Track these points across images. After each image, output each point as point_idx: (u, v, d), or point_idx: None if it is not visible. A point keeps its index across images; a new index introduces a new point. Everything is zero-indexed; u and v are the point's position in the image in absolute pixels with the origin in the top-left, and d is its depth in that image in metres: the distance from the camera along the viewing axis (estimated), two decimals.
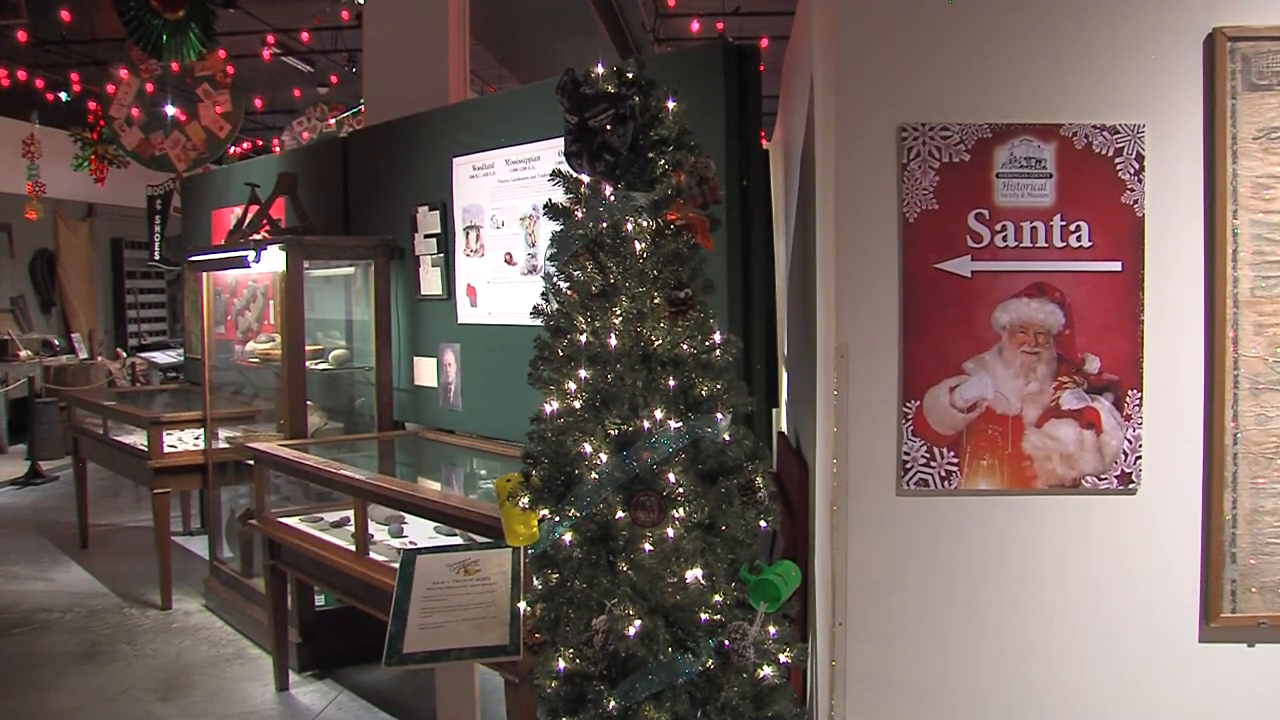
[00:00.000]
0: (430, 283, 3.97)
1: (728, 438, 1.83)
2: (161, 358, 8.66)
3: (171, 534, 4.73)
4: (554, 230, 1.87)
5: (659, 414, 1.78)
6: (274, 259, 3.87)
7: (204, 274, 4.65)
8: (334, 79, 9.38)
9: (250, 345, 4.69)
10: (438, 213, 3.89)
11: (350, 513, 3.24)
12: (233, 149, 8.74)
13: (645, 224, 1.82)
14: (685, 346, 1.82)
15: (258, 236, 4.19)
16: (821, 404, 2.05)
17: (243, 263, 3.96)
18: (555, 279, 1.86)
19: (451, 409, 3.93)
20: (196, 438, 4.73)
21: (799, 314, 2.54)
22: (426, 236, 3.98)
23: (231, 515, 4.65)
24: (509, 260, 3.60)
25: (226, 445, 4.56)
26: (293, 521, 3.56)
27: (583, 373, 1.83)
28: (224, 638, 4.13)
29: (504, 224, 3.63)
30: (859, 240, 2.00)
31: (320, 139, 7.94)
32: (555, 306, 1.89)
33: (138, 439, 4.76)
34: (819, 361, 2.07)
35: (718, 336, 1.87)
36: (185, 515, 5.86)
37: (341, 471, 3.20)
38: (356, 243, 4.14)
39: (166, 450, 4.56)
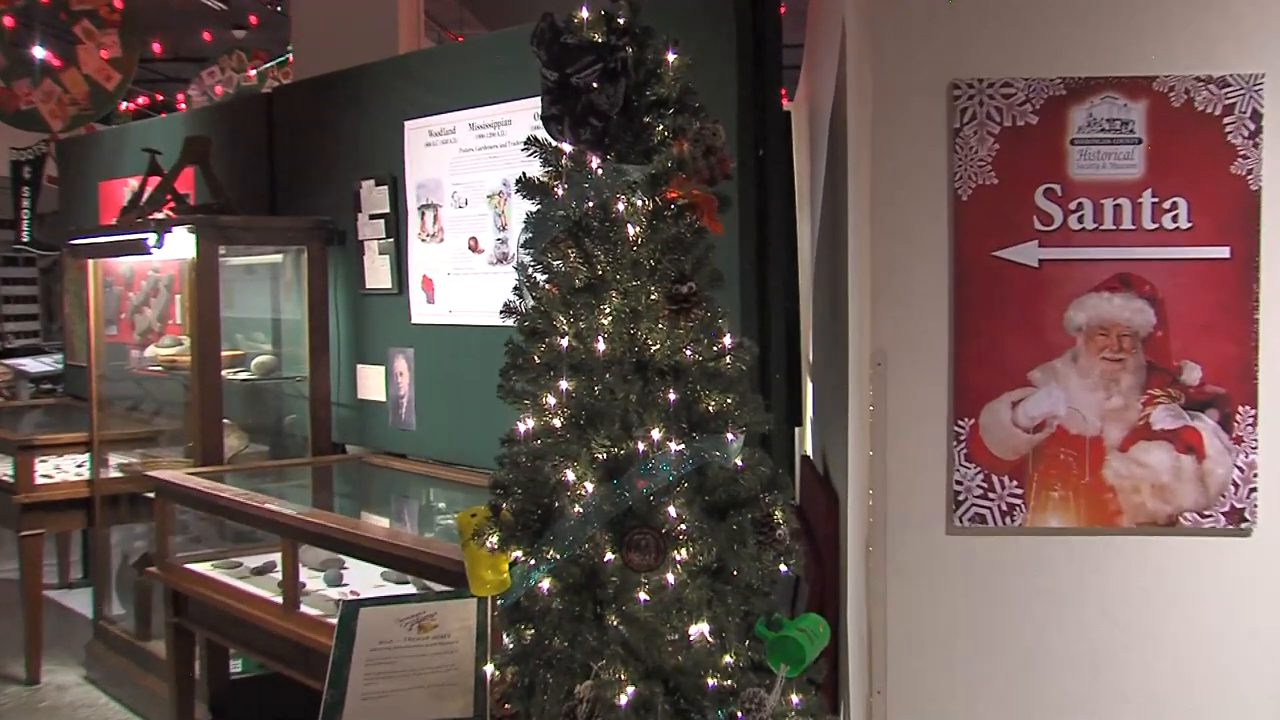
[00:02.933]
0: (377, 274, 4.01)
1: (740, 463, 1.86)
2: (33, 365, 8.56)
3: (45, 587, 4.64)
4: (529, 211, 1.90)
5: (656, 434, 1.80)
6: (181, 243, 3.88)
7: (90, 261, 4.63)
8: (253, 20, 9.29)
9: (151, 350, 4.70)
10: (386, 188, 3.92)
11: (277, 556, 3.27)
12: (124, 105, 8.65)
13: (640, 204, 1.84)
14: (688, 352, 1.84)
15: (160, 215, 4.19)
16: (854, 422, 2.09)
17: (141, 248, 3.97)
18: (531, 270, 1.90)
19: (403, 428, 3.96)
20: (80, 465, 4.69)
21: (827, 313, 2.56)
22: (372, 217, 4.01)
23: (124, 562, 4.64)
24: (474, 247, 3.64)
25: (119, 474, 4.54)
26: (204, 568, 3.56)
27: (564, 384, 1.85)
28: (110, 718, 4.07)
29: (468, 203, 3.67)
30: (901, 223, 2.04)
31: (238, 95, 7.96)
32: (531, 304, 1.91)
33: (2, 468, 4.73)
34: (851, 371, 2.09)
35: (728, 340, 1.88)
36: (63, 564, 5.74)
37: (266, 505, 3.22)
38: (285, 224, 4.18)
39: (39, 481, 4.49)
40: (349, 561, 3.31)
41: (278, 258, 4.36)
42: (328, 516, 3.24)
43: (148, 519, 3.97)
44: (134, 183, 4.73)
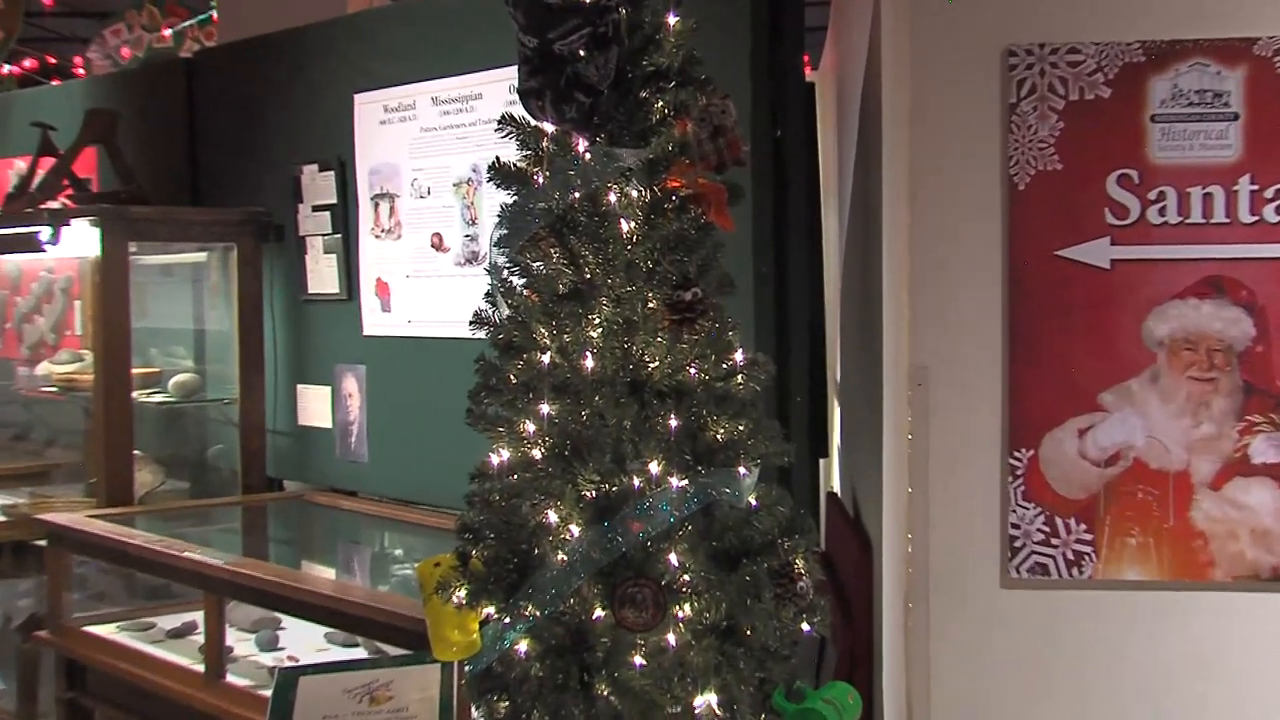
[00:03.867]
0: (322, 277, 4.05)
1: (754, 502, 1.88)
2: None
3: None
4: (504, 203, 1.93)
5: (655, 467, 1.83)
6: (82, 239, 3.87)
7: None
8: None
9: (44, 367, 4.69)
10: (332, 175, 3.95)
11: (199, 616, 3.25)
12: (7, 68, 8.66)
13: (635, 195, 1.87)
14: (692, 371, 1.87)
15: (55, 204, 4.19)
16: (890, 453, 2.12)
17: (31, 243, 3.96)
18: (506, 273, 1.93)
19: (353, 460, 3.99)
20: None
21: (858, 324, 2.58)
22: (316, 209, 4.04)
23: (6, 625, 4.61)
24: (438, 245, 3.67)
25: (2, 518, 4.50)
26: (107, 631, 3.54)
27: (545, 408, 1.87)
28: None
29: (430, 192, 3.69)
30: (945, 217, 2.08)
31: (149, 60, 7.95)
32: (506, 313, 1.94)
33: None
34: (886, 392, 2.11)
35: (739, 356, 1.91)
36: None
37: (186, 554, 3.22)
38: (210, 217, 4.18)
39: None
40: (286, 621, 3.32)
41: (201, 257, 4.38)
42: (261, 567, 3.24)
43: (36, 572, 3.96)
44: (21, 164, 4.72)
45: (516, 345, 1.92)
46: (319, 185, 4.00)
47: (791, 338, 2.76)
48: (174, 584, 3.49)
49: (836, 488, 3.10)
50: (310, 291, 4.07)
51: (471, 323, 1.97)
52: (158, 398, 4.37)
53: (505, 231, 1.93)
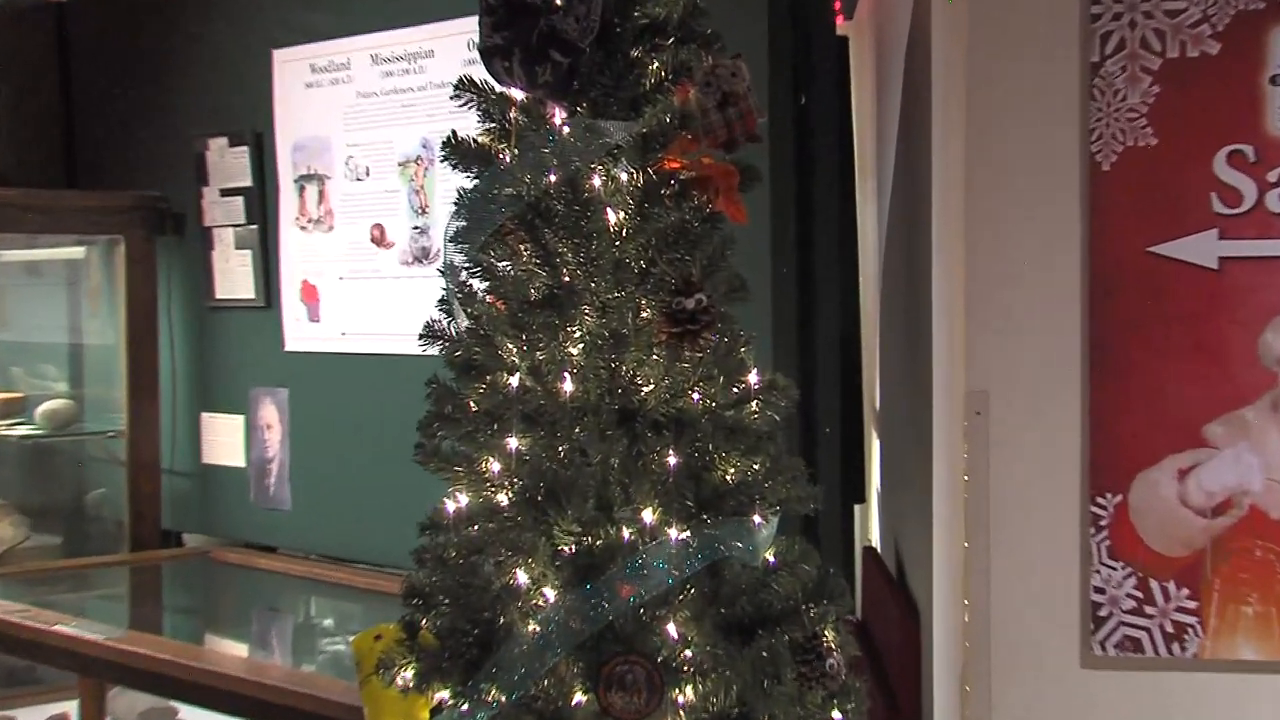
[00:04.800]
0: (233, 278, 4.09)
1: (772, 559, 1.91)
2: None
3: None
4: (462, 188, 1.96)
5: (649, 516, 1.85)
6: None
7: None
8: None
9: None
10: (246, 151, 4.01)
11: (72, 706, 3.29)
12: None
13: (625, 178, 1.88)
14: (696, 396, 1.90)
15: None
16: (942, 499, 2.13)
17: None
18: (465, 275, 1.96)
19: (272, 508, 4.04)
20: None
21: (901, 337, 2.60)
22: (226, 194, 4.10)
23: None
24: (379, 239, 3.72)
25: None
26: None
27: (514, 442, 1.89)
28: None
29: (369, 173, 3.75)
30: (1010, 205, 2.09)
31: (9, 3, 7.93)
32: (465, 325, 1.97)
33: None
34: (937, 423, 2.14)
35: (754, 378, 1.94)
36: None
37: (58, 628, 3.24)
38: (90, 203, 4.21)
39: None
40: (185, 711, 3.38)
41: (78, 252, 4.41)
42: (153, 643, 3.24)
43: None
44: None
45: (478, 365, 1.94)
46: (229, 164, 4.04)
47: (818, 355, 2.81)
48: (41, 666, 3.51)
49: (875, 541, 3.11)
50: (218, 296, 4.11)
51: (421, 336, 1.99)
52: (20, 430, 4.36)
53: (463, 223, 1.94)
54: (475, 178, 1.95)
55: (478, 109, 1.97)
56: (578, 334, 1.88)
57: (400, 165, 3.60)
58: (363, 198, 3.70)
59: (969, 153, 2.10)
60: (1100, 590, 2.06)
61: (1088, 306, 2.07)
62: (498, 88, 1.94)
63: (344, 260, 3.75)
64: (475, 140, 1.97)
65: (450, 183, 2.12)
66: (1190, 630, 2.04)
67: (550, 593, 1.86)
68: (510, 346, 1.92)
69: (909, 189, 2.52)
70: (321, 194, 3.81)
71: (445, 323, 1.99)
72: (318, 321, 3.86)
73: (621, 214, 1.89)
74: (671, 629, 1.84)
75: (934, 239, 2.14)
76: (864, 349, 3.11)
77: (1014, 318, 2.10)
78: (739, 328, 1.96)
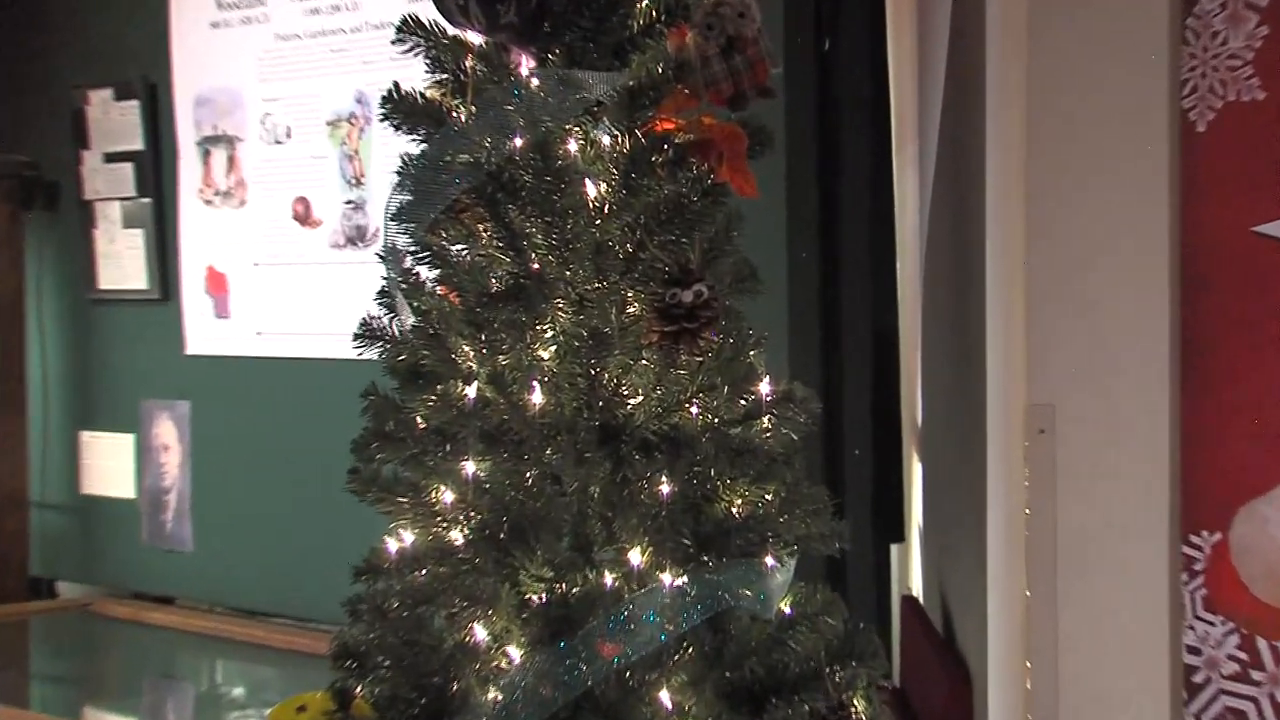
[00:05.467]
0: (121, 264, 4.10)
1: (788, 610, 1.91)
2: None
3: None
4: (406, 154, 1.98)
5: (637, 557, 1.86)
6: None
7: None
8: None
9: None
10: (136, 106, 4.02)
11: None
12: None
13: (608, 142, 1.90)
14: (694, 409, 1.92)
15: None
16: (998, 537, 2.12)
17: None
18: (410, 261, 1.97)
19: (170, 548, 4.04)
20: None
21: (948, 338, 2.60)
22: (111, 159, 4.12)
23: None
24: (303, 216, 3.74)
25: None
26: None
27: (470, 467, 1.91)
28: None
29: (291, 135, 3.77)
30: (1081, 174, 2.08)
31: None
32: (411, 322, 1.97)
33: None
34: (992, 444, 2.13)
35: (766, 388, 1.96)
36: None
37: None
38: None
39: None
40: None
41: None
42: (17, 717, 3.28)
43: None
44: None
45: (426, 371, 1.96)
46: (115, 122, 4.04)
47: (846, 359, 2.81)
48: None
49: (917, 589, 3.09)
50: (102, 287, 4.12)
51: (357, 337, 1.99)
52: None
53: (409, 198, 1.94)
54: (423, 141, 1.94)
55: (425, 56, 1.97)
56: (549, 333, 1.89)
57: (329, 125, 3.60)
58: (283, 165, 3.69)
59: (1031, 110, 2.09)
60: (1195, 650, 2.04)
61: (1178, 300, 2.05)
62: (450, 30, 1.94)
63: (260, 243, 3.74)
64: (422, 95, 1.96)
65: (392, 147, 2.11)
66: None
67: (515, 652, 1.86)
68: (466, 349, 1.92)
69: (958, 155, 2.50)
70: (231, 160, 3.80)
71: (386, 320, 1.98)
72: (226, 318, 3.84)
73: (603, 186, 1.90)
74: (665, 697, 1.84)
75: (988, 216, 2.13)
76: (903, 351, 3.08)
77: (1086, 314, 2.08)
78: (747, 326, 1.97)
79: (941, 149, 2.71)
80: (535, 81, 1.91)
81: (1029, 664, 2.10)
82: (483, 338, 1.92)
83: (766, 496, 1.92)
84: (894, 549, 3.07)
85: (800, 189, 2.79)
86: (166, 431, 3.97)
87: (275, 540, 3.74)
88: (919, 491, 3.12)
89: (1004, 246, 2.12)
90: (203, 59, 3.87)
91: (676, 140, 1.93)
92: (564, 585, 1.89)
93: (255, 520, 3.81)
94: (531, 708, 1.84)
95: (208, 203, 3.88)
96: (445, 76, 1.99)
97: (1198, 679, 2.06)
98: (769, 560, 1.89)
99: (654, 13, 1.93)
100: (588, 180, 1.91)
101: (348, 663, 1.97)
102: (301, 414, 3.64)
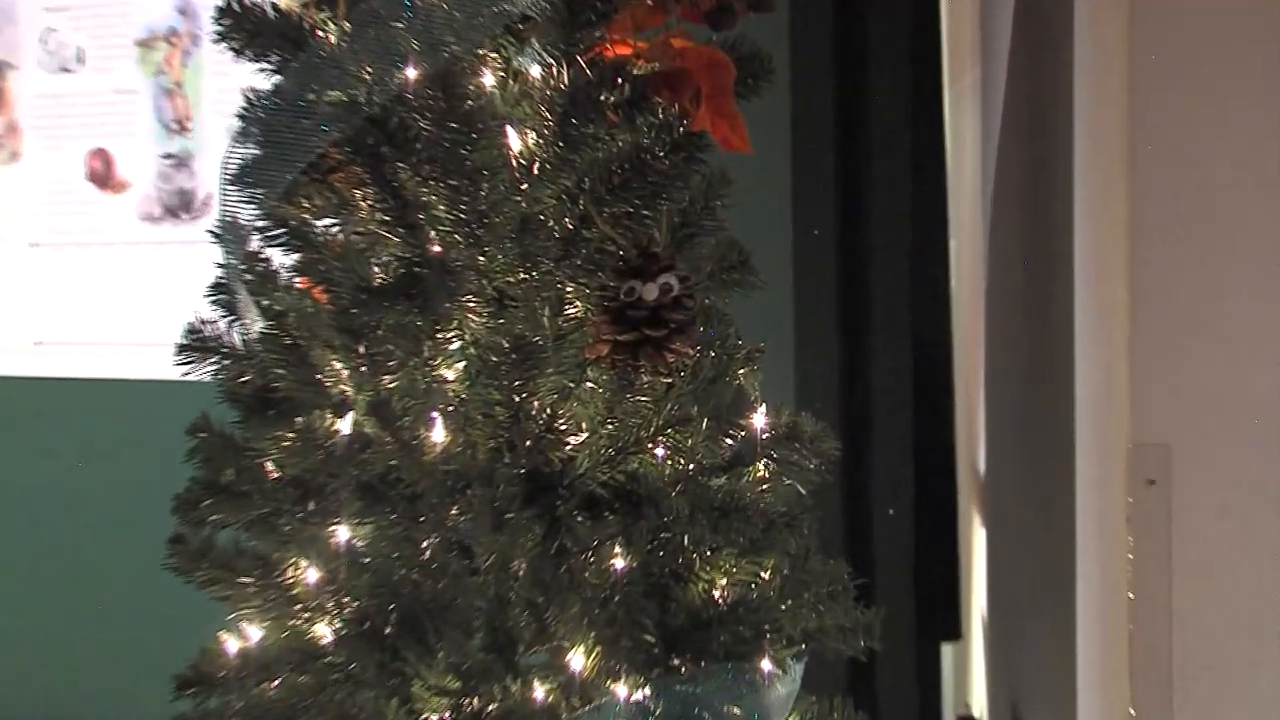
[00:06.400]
0: None
1: None
2: None
3: None
4: (251, 88, 1.91)
5: (580, 662, 1.80)
6: None
7: None
8: None
9: None
10: None
11: None
12: None
13: (539, 74, 1.85)
14: (660, 451, 1.87)
15: None
16: (1090, 633, 2.09)
17: None
18: (259, 241, 1.94)
19: None
20: None
21: (1022, 354, 2.59)
22: None
23: None
24: (102, 176, 3.74)
25: None
26: None
27: (344, 533, 1.87)
28: None
29: (84, 59, 3.77)
30: (1202, 146, 2.06)
31: None
32: (260, 327, 1.92)
33: None
34: (1082, 501, 2.12)
35: (762, 420, 1.92)
36: None
37: None
38: None
39: None
40: None
41: None
42: None
43: None
44: None
45: (282, 399, 1.91)
46: None
47: (875, 380, 2.77)
48: None
49: (979, 707, 3.09)
50: None
51: (182, 350, 1.95)
52: None
53: (256, 152, 1.89)
54: (275, 72, 1.92)
55: None
56: (456, 344, 1.85)
57: (140, 47, 3.58)
58: (73, 103, 3.67)
59: (1134, 62, 2.07)
60: None
61: None
62: None
63: (39, 213, 3.72)
64: (274, 6, 1.91)
65: (230, 79, 2.06)
66: None
67: None
68: (338, 366, 1.89)
69: (1034, 98, 2.49)
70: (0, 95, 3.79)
71: (224, 325, 1.94)
72: None
73: (532, 137, 1.86)
74: None
75: (1076, 198, 2.11)
76: (958, 370, 3.06)
77: (1209, 331, 2.06)
78: (736, 334, 1.93)
79: (1011, 86, 2.69)
80: None
81: None
82: (361, 350, 1.86)
83: (762, 575, 1.88)
84: (945, 649, 3.03)
85: (811, 139, 2.73)
86: None
87: (54, 639, 3.69)
88: (981, 568, 3.12)
89: (1098, 241, 2.10)
90: None
91: (635, 71, 1.87)
92: (476, 701, 1.83)
93: (25, 613, 3.75)
94: None
95: None
96: None
97: None
98: (765, 664, 1.85)
99: None
100: (510, 128, 1.86)
101: None
102: (98, 457, 3.58)
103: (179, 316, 1.94)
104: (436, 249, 1.88)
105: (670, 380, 1.87)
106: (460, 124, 1.86)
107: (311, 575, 1.89)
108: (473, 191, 1.86)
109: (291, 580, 1.91)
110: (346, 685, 1.85)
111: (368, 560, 1.88)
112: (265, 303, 1.93)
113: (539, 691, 1.84)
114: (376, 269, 1.89)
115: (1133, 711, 2.06)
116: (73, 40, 3.63)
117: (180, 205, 3.44)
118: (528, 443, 1.87)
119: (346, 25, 1.88)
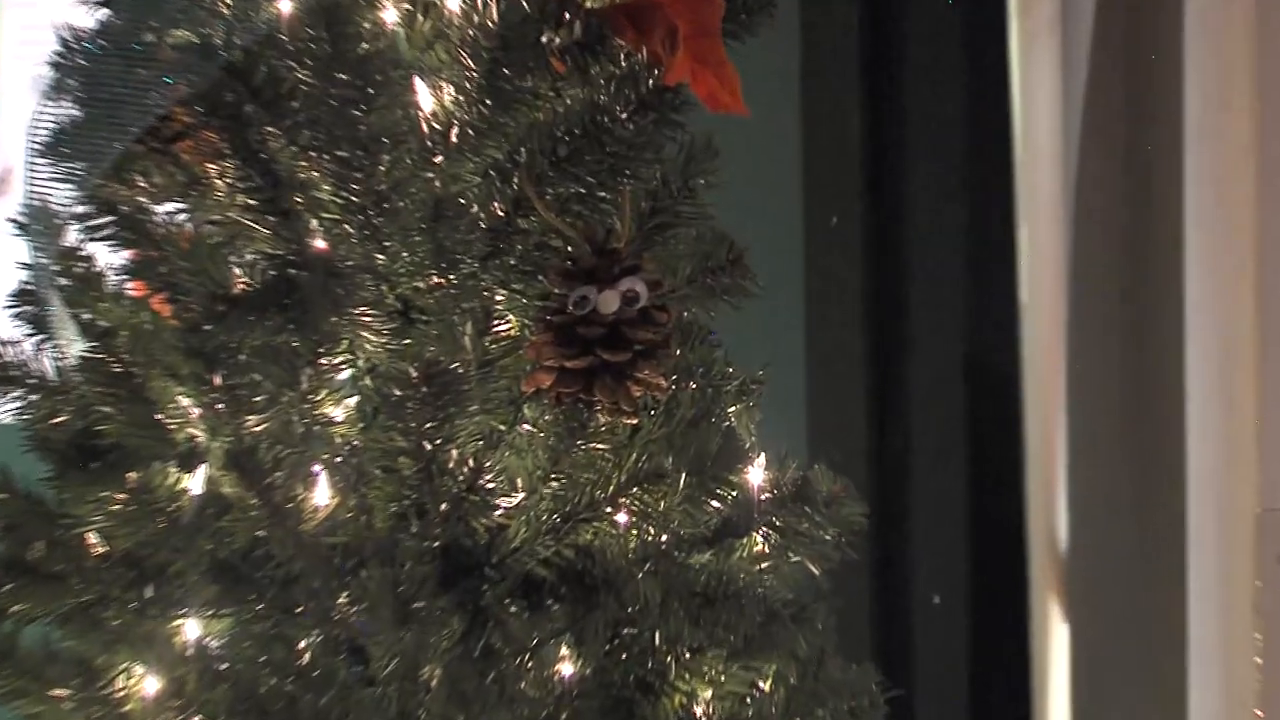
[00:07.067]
0: None
1: None
2: None
3: None
4: (66, 25, 1.86)
5: None
6: None
7: None
8: None
9: None
10: None
11: None
12: None
13: (459, 7, 1.85)
14: (622, 518, 1.86)
15: None
16: None
17: None
18: (77, 231, 1.93)
19: None
20: None
21: (1115, 390, 2.62)
22: None
23: None
24: None
25: None
26: None
27: (193, 630, 1.87)
28: None
29: None
30: None
31: None
32: (78, 349, 1.92)
33: None
34: (1195, 583, 2.09)
35: (757, 477, 1.93)
36: None
37: None
38: None
39: None
40: None
41: None
42: None
43: None
44: None
45: (109, 447, 1.89)
46: None
47: (914, 419, 2.73)
48: None
49: None
50: None
51: None
52: None
53: (75, 114, 1.87)
54: (100, 5, 1.90)
55: None
56: (345, 372, 1.84)
57: None
58: None
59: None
60: None
61: None
62: None
63: None
64: None
65: (35, 10, 2.00)
66: None
67: None
68: (185, 402, 1.85)
69: (1129, 48, 2.48)
70: None
71: (29, 346, 1.92)
72: None
73: (449, 91, 1.84)
74: None
75: (1187, 206, 2.12)
76: (1029, 407, 3.04)
77: None
78: (725, 358, 1.93)
79: (1095, 61, 2.71)
80: None
81: None
82: (217, 381, 1.81)
83: (761, 685, 1.84)
84: None
85: (827, 95, 2.67)
86: None
87: None
88: (1060, 675, 3.09)
89: (1218, 257, 2.13)
90: None
91: (589, 3, 1.81)
92: None
93: None
94: None
95: None
96: None
97: None
98: None
99: None
100: (419, 81, 1.82)
101: None
102: None
103: None
104: (319, 244, 1.83)
105: (636, 422, 1.83)
106: (351, 75, 1.80)
107: (149, 686, 1.84)
108: (368, 166, 1.81)
109: (123, 693, 1.86)
110: None
111: (225, 666, 1.83)
112: (86, 316, 1.88)
113: None
114: (238, 271, 1.83)
115: None
116: None
117: None
118: (443, 506, 1.84)
119: None
